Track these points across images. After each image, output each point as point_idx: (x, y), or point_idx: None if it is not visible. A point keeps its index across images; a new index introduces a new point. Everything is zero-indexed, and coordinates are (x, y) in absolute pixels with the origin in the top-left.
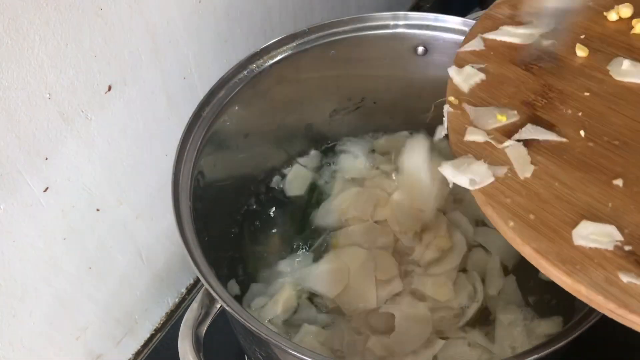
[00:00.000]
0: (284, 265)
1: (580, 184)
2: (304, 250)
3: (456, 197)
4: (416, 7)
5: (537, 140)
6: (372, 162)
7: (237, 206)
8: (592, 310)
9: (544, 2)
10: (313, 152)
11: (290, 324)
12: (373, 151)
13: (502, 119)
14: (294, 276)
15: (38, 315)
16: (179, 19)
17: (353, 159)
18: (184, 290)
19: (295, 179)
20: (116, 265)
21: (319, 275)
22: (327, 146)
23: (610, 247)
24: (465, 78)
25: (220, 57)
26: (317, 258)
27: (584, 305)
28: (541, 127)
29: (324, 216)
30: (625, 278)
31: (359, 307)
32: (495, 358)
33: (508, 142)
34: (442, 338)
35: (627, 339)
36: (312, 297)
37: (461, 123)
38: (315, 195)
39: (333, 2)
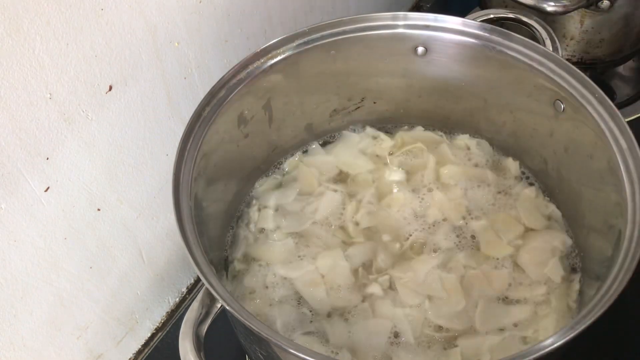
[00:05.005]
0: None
1: None
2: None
3: None
4: (416, 7)
5: None
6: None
7: (237, 205)
8: (592, 309)
9: None
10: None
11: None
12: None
13: None
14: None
15: (39, 314)
16: (179, 19)
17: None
18: (184, 289)
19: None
20: (117, 265)
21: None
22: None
23: None
24: None
25: (220, 57)
26: None
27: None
28: None
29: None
30: None
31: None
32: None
33: None
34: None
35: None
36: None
37: None
38: None
39: (333, 2)
